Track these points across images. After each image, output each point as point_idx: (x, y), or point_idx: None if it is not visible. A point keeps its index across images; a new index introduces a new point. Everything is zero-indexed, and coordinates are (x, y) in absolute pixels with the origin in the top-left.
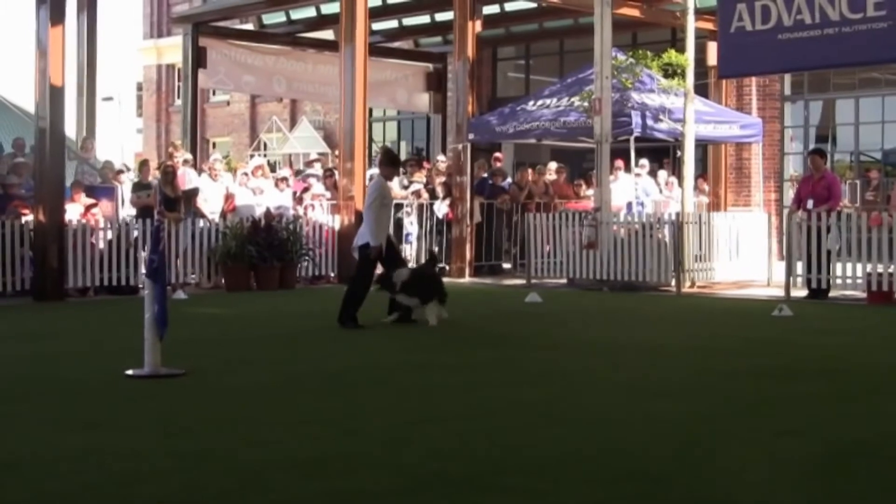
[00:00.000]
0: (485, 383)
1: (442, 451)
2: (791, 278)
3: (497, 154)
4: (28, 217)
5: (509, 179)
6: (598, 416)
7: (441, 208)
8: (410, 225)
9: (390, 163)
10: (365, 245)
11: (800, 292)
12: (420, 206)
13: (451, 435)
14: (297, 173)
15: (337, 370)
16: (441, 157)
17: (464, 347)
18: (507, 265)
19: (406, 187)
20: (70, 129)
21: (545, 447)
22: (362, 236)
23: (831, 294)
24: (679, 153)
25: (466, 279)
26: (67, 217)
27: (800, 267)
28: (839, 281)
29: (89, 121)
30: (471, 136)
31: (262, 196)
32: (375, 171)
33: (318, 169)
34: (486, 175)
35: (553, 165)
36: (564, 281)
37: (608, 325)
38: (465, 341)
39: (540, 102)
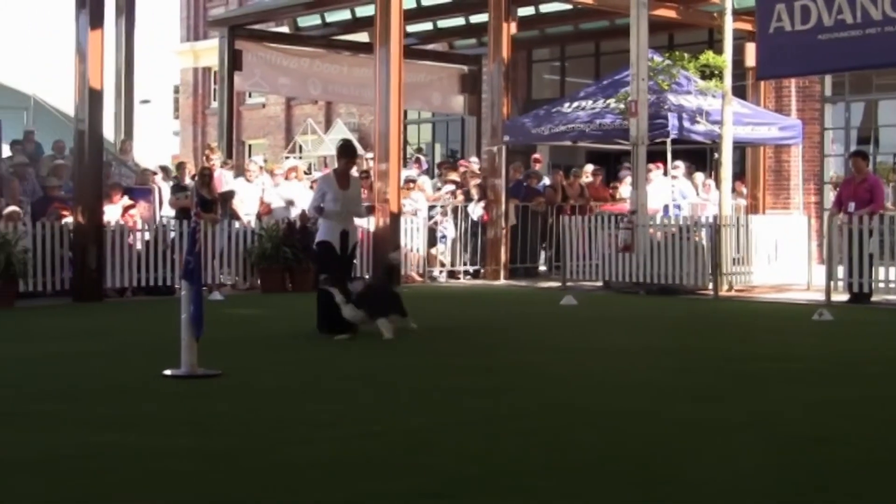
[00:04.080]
0: (514, 386)
1: (469, 452)
2: (832, 282)
3: (536, 155)
4: (68, 219)
5: (545, 181)
6: (631, 419)
7: (476, 210)
8: (445, 228)
9: (342, 154)
10: (318, 242)
11: (841, 296)
12: (455, 209)
13: (479, 437)
14: None
15: (369, 370)
16: (475, 159)
17: (495, 350)
18: (542, 268)
19: (439, 189)
20: (108, 131)
21: (577, 450)
22: (315, 237)
23: (873, 298)
24: (716, 155)
25: (501, 281)
26: (106, 218)
27: (840, 271)
28: (881, 285)
29: (127, 123)
30: (506, 139)
31: (291, 197)
32: (411, 172)
33: (352, 171)
34: (521, 177)
35: (589, 168)
36: (600, 284)
37: (644, 329)
38: (496, 344)
39: (575, 104)
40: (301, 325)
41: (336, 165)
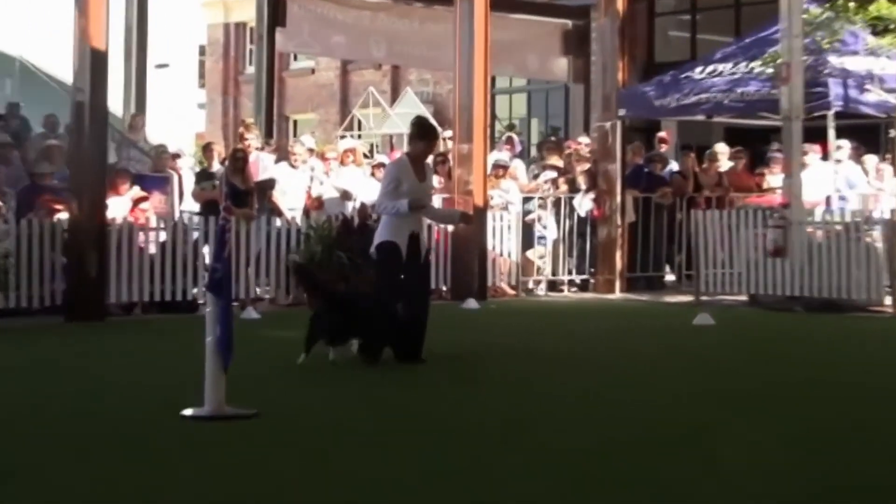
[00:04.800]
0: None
1: None
2: None
3: (661, 133)
4: (62, 214)
5: (672, 166)
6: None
7: (584, 204)
8: (545, 226)
9: (420, 135)
10: (381, 244)
11: None
12: (557, 202)
13: None
14: None
15: (435, 410)
16: (584, 139)
17: (600, 386)
18: (669, 277)
19: (537, 177)
20: (115, 103)
21: None
22: (376, 237)
23: None
24: (892, 132)
25: (616, 295)
26: (110, 214)
27: None
28: None
29: (139, 93)
30: (622, 112)
31: (347, 187)
32: (501, 155)
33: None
34: (641, 162)
35: (727, 149)
36: (745, 298)
37: (802, 357)
38: (604, 376)
39: (710, 69)
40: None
41: (407, 149)
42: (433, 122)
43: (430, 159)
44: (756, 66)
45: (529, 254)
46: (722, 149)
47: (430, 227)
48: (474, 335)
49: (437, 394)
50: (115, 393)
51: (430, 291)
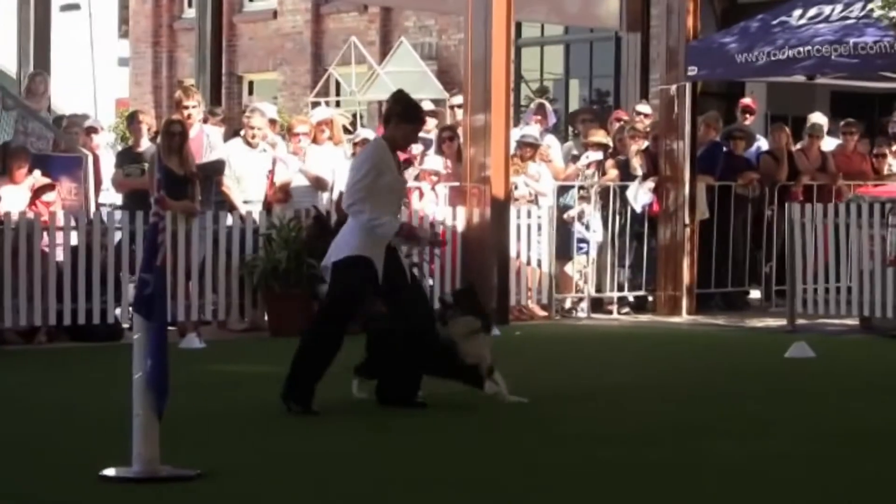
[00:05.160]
0: None
1: None
2: None
3: (746, 100)
4: None
5: (760, 144)
6: None
7: (640, 195)
8: (587, 225)
9: (407, 116)
10: (341, 262)
11: None
12: (604, 192)
13: None
14: None
15: (427, 475)
16: (642, 108)
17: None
18: (754, 293)
19: (576, 158)
20: (8, 59)
21: None
22: (339, 247)
23: None
24: None
25: (684, 317)
26: (3, 208)
27: None
28: None
29: (39, 46)
30: (692, 72)
31: (322, 172)
32: (530, 129)
33: (428, 126)
34: (718, 138)
35: (825, 121)
36: (856, 322)
37: None
38: (671, 426)
39: (812, 12)
40: (329, 390)
41: (384, 130)
42: (435, 82)
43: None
44: (876, 7)
45: (567, 268)
46: (826, 121)
47: (431, 226)
48: None
49: (442, 450)
50: (10, 448)
51: (431, 320)
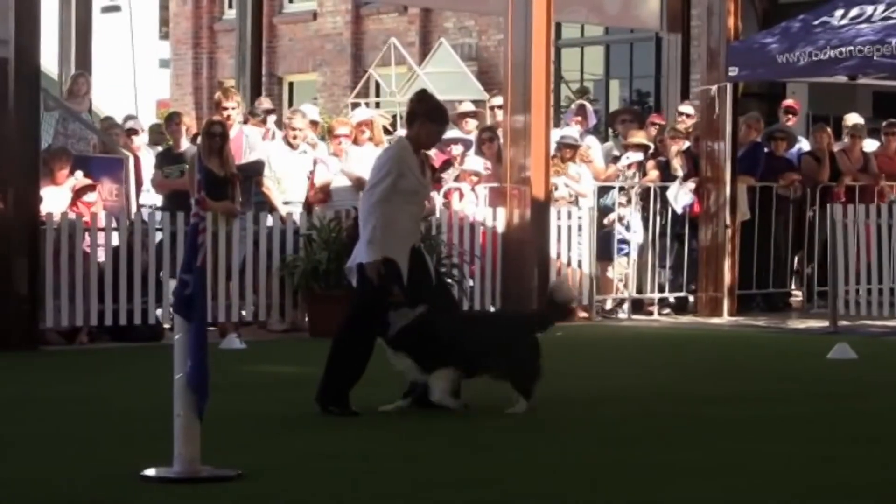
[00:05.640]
0: None
1: None
2: None
3: (787, 101)
4: None
5: (801, 145)
6: None
7: (681, 196)
8: (627, 226)
9: (432, 116)
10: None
11: None
12: (645, 193)
13: None
14: None
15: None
16: (683, 108)
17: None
18: (795, 295)
19: (617, 159)
20: (49, 60)
21: None
22: (363, 249)
23: None
24: None
25: (725, 318)
26: (45, 209)
27: None
28: None
29: (81, 47)
30: (733, 72)
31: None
32: (570, 130)
33: (469, 127)
34: (759, 139)
35: (860, 121)
36: None
37: None
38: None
39: (854, 13)
40: (369, 391)
41: (408, 131)
42: (474, 82)
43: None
44: None
45: (609, 272)
46: (862, 121)
47: (472, 227)
48: None
49: (481, 453)
50: (52, 449)
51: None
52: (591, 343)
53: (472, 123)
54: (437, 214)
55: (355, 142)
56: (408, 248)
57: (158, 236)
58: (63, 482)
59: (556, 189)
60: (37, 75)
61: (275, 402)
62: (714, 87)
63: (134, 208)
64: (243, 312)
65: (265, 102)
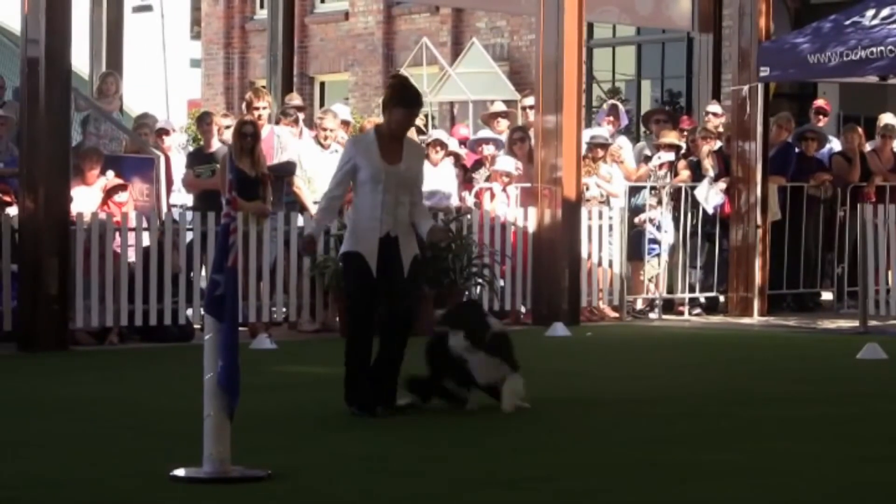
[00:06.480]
0: None
1: None
2: None
3: (818, 101)
4: (10, 209)
5: (832, 145)
6: None
7: (711, 196)
8: (658, 226)
9: (397, 99)
10: (341, 258)
11: None
12: (676, 193)
13: None
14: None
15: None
16: (714, 108)
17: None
18: (826, 295)
19: (648, 159)
20: (80, 59)
21: None
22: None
23: None
24: None
25: (755, 318)
26: (75, 209)
27: None
28: None
29: (112, 47)
30: (765, 72)
31: None
32: (601, 130)
33: (500, 127)
34: (790, 139)
35: (892, 120)
36: None
37: None
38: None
39: (885, 13)
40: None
41: (383, 118)
42: (502, 76)
43: (413, 133)
44: None
45: (643, 272)
46: None
47: (503, 227)
48: (562, 376)
49: (512, 451)
50: (82, 448)
51: (410, 318)
52: (622, 344)
53: (503, 123)
54: (465, 214)
55: None
56: (376, 238)
57: (189, 236)
58: (93, 482)
59: (588, 189)
60: (68, 75)
61: (305, 402)
62: (745, 88)
63: (164, 208)
64: (274, 312)
65: (295, 98)
